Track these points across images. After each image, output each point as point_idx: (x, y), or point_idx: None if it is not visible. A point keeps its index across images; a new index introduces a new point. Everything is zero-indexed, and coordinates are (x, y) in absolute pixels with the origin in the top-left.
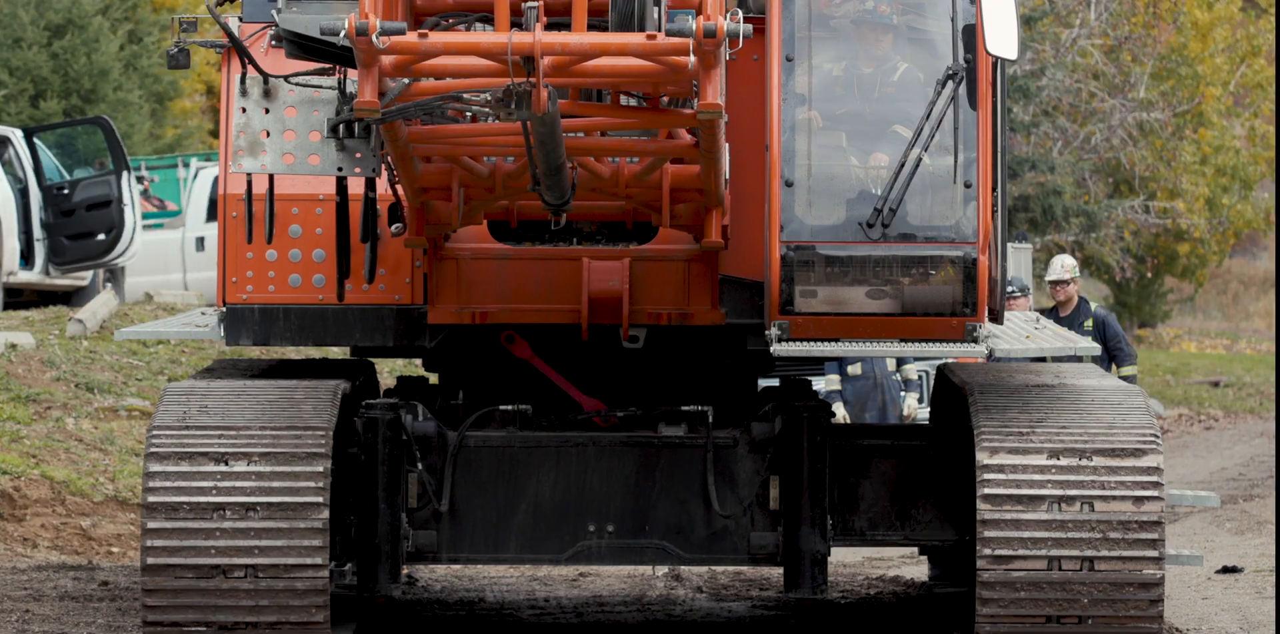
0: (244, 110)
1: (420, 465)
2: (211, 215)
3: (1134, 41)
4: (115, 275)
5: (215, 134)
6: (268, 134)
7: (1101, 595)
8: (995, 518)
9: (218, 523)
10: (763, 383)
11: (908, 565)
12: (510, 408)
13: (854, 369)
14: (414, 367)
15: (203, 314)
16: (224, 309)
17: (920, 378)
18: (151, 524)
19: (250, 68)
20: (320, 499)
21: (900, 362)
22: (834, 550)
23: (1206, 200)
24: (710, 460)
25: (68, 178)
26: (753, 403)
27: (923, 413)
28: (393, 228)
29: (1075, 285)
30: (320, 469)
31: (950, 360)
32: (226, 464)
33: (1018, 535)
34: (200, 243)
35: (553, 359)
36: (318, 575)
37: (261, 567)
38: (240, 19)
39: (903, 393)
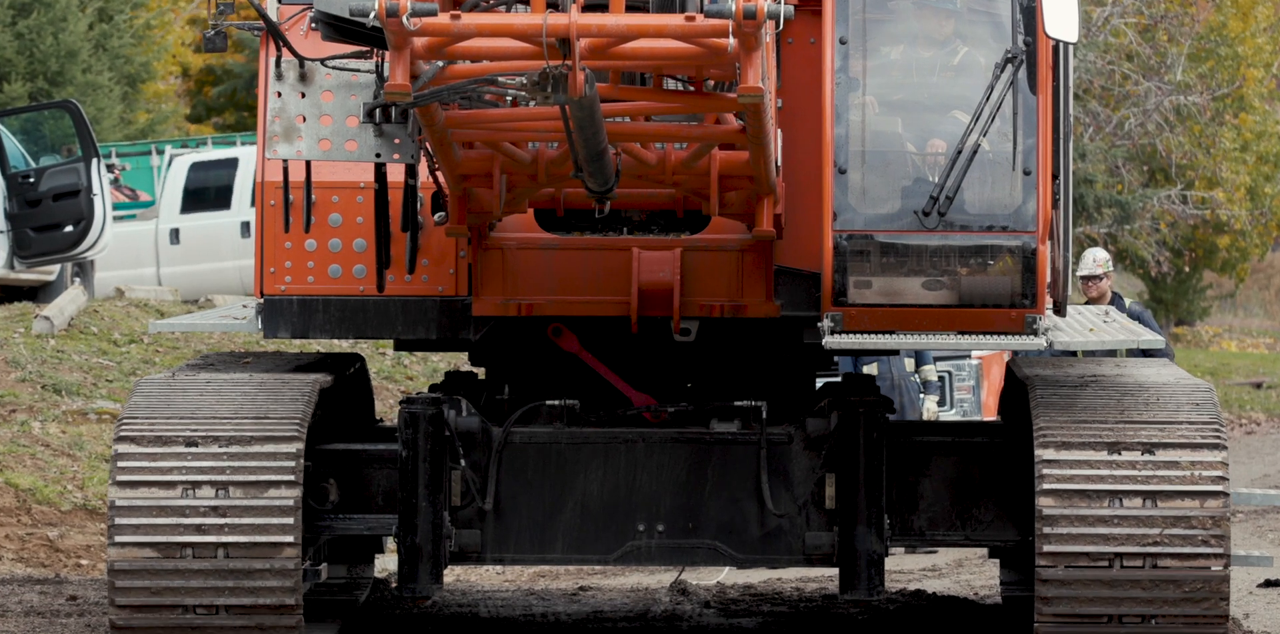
0: (279, 95)
1: (464, 462)
2: (186, 206)
3: (1170, 20)
4: (84, 270)
5: (191, 118)
6: (304, 119)
7: (1165, 594)
8: (1056, 514)
9: (185, 515)
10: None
11: (929, 579)
12: (557, 403)
13: (869, 370)
14: (402, 366)
15: (244, 307)
16: (261, 301)
17: (941, 380)
18: (120, 502)
19: (285, 51)
20: (291, 497)
21: (919, 362)
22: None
23: (1248, 190)
24: (764, 458)
25: (33, 166)
26: (809, 398)
27: (944, 415)
28: (436, 216)
29: (1108, 280)
30: (291, 464)
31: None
32: (194, 451)
33: (1079, 532)
34: (175, 235)
35: (601, 352)
36: (288, 563)
37: (233, 545)
38: (280, 0)
39: (922, 395)
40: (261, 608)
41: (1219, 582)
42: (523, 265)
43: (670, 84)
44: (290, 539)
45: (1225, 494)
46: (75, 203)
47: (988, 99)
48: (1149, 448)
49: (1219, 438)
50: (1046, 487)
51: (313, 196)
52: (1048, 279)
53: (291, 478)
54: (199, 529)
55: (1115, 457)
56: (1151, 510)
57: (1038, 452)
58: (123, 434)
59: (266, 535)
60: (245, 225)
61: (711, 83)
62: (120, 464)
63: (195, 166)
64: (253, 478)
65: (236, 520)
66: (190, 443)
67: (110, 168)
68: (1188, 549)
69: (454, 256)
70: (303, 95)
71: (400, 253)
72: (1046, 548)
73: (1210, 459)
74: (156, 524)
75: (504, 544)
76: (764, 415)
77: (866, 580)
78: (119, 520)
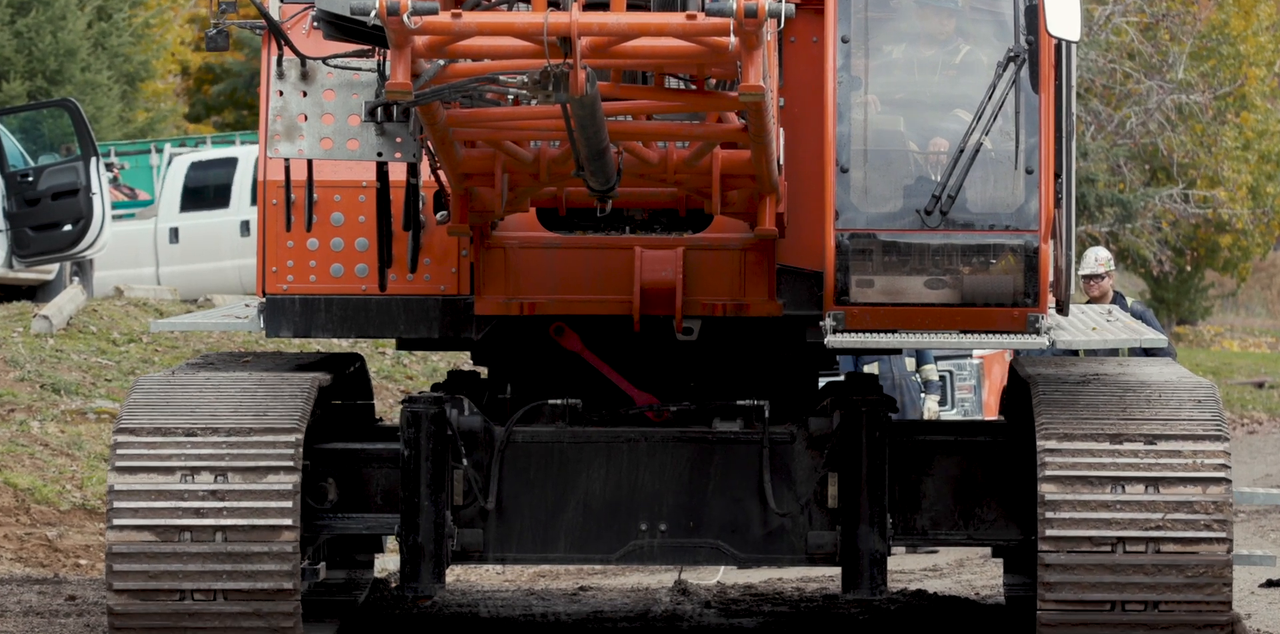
0: (281, 93)
1: (466, 461)
2: (185, 205)
3: (1172, 19)
4: (83, 269)
5: (190, 117)
6: (305, 118)
7: (1168, 579)
8: (1058, 499)
9: (183, 499)
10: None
11: (931, 579)
12: (559, 402)
13: (870, 369)
14: (402, 366)
15: (246, 306)
16: (263, 300)
17: (942, 379)
18: (119, 486)
19: (287, 49)
20: (290, 482)
21: (920, 362)
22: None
23: (1250, 189)
24: (766, 457)
25: (32, 164)
26: (811, 397)
27: (945, 415)
28: (438, 215)
29: (1110, 280)
30: (289, 451)
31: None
32: (193, 440)
33: (1081, 516)
34: (174, 234)
35: (603, 352)
36: (285, 547)
37: (231, 528)
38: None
39: (922, 395)
40: (259, 592)
41: (1222, 567)
42: (525, 264)
43: (672, 83)
44: (289, 522)
45: (1228, 481)
46: (74, 202)
47: (990, 98)
48: (1151, 439)
49: (1220, 431)
50: (1048, 473)
51: (314, 195)
52: (1050, 278)
53: (290, 464)
54: (197, 513)
55: (1117, 446)
56: (1154, 496)
57: (1040, 442)
58: (122, 427)
59: (265, 519)
60: (244, 224)
61: (713, 81)
62: (119, 452)
63: (194, 165)
64: (251, 464)
65: (235, 504)
66: (189, 433)
67: (109, 167)
68: (1190, 533)
69: (456, 256)
70: (304, 94)
71: (402, 252)
72: (1049, 532)
73: (1212, 448)
74: (155, 508)
75: (506, 543)
76: (766, 414)
77: (869, 580)
78: (117, 504)
